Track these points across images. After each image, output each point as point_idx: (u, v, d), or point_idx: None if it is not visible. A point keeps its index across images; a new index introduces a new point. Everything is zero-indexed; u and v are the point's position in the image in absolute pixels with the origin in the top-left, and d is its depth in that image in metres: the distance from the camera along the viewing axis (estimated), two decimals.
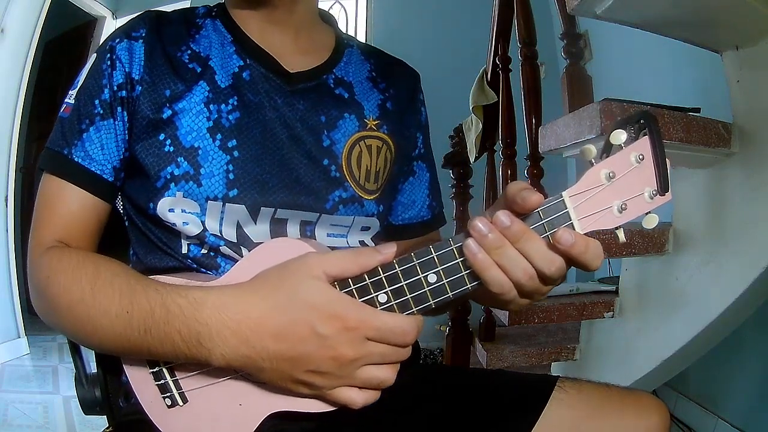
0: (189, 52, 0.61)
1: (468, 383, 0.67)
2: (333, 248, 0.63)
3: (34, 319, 3.16)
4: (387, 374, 0.49)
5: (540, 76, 1.57)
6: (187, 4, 3.21)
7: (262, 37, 0.64)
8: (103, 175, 0.59)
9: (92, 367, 0.69)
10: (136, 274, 0.52)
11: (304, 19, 0.67)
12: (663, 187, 0.45)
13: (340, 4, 3.66)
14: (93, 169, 0.58)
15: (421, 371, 0.72)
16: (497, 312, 1.50)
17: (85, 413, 0.67)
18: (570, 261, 0.45)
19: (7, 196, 2.76)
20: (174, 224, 0.58)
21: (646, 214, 0.46)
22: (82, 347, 0.69)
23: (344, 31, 0.76)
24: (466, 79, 2.08)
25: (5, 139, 2.73)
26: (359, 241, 0.67)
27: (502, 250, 0.44)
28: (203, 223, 0.58)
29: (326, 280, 0.47)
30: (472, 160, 2.04)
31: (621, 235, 0.46)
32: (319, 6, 0.73)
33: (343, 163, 0.63)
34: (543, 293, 0.47)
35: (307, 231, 0.62)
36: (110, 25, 3.39)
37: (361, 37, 3.54)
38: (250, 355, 0.47)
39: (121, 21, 3.38)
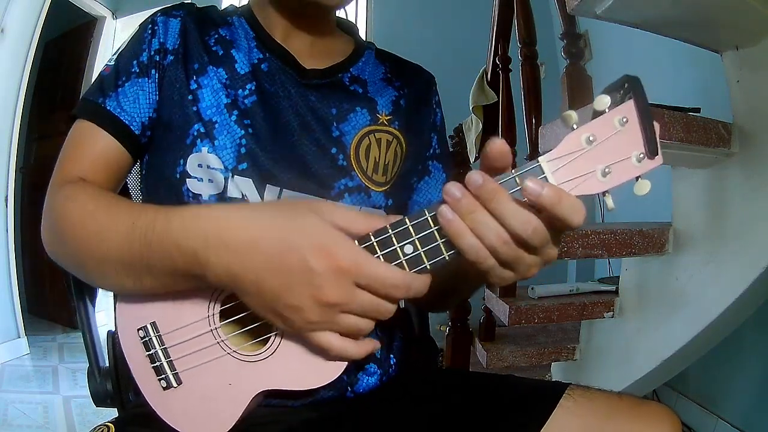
0: (216, 36, 0.67)
1: (471, 386, 0.67)
2: None
3: (34, 319, 3.17)
4: (366, 324, 0.47)
5: (540, 76, 1.58)
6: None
7: (283, 37, 0.68)
8: (131, 126, 0.63)
9: (105, 360, 0.71)
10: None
11: (323, 29, 0.71)
12: (651, 150, 0.42)
13: None
14: (122, 118, 0.62)
15: (425, 373, 0.71)
16: (497, 312, 1.50)
17: (97, 405, 0.69)
18: (547, 219, 0.42)
19: (7, 196, 2.76)
20: (201, 179, 0.60)
21: (637, 179, 0.43)
22: (96, 341, 0.71)
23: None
24: (466, 79, 2.08)
25: (5, 139, 2.73)
26: None
27: (475, 215, 0.42)
28: (226, 179, 0.60)
29: (333, 225, 0.46)
30: (472, 160, 2.04)
31: (609, 202, 0.44)
32: (336, 16, 0.75)
33: (351, 153, 0.65)
34: (528, 264, 0.45)
35: None
36: (110, 25, 3.38)
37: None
38: (238, 274, 0.46)
39: (121, 21, 3.39)
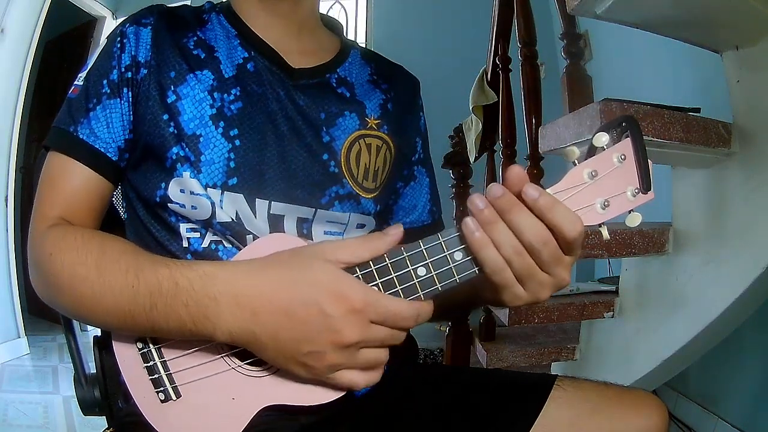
0: (195, 38, 0.63)
1: (467, 382, 0.67)
2: None
3: (34, 319, 3.16)
4: (383, 354, 0.50)
5: (540, 76, 1.57)
6: (187, 2, 3.21)
7: (266, 32, 0.65)
8: (107, 153, 0.59)
9: (91, 367, 0.69)
10: (143, 251, 0.53)
11: (307, 18, 0.69)
12: (645, 186, 0.46)
13: (340, 4, 3.66)
14: (97, 146, 0.59)
15: (419, 370, 0.72)
16: (497, 312, 1.50)
17: (85, 414, 0.67)
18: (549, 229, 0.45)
19: (7, 196, 2.76)
20: (183, 205, 0.58)
21: (630, 212, 0.47)
22: (80, 347, 0.70)
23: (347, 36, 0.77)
24: (466, 79, 2.08)
25: (5, 139, 2.73)
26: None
27: (494, 225, 0.45)
28: (213, 204, 0.58)
29: (338, 265, 0.47)
30: (472, 160, 2.04)
31: (605, 233, 0.48)
32: (319, 8, 0.73)
33: (342, 160, 0.64)
34: (539, 281, 0.47)
35: (303, 228, 0.62)
36: (110, 25, 3.38)
37: (361, 37, 3.54)
38: (255, 332, 0.47)
39: (121, 21, 3.39)
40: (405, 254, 0.48)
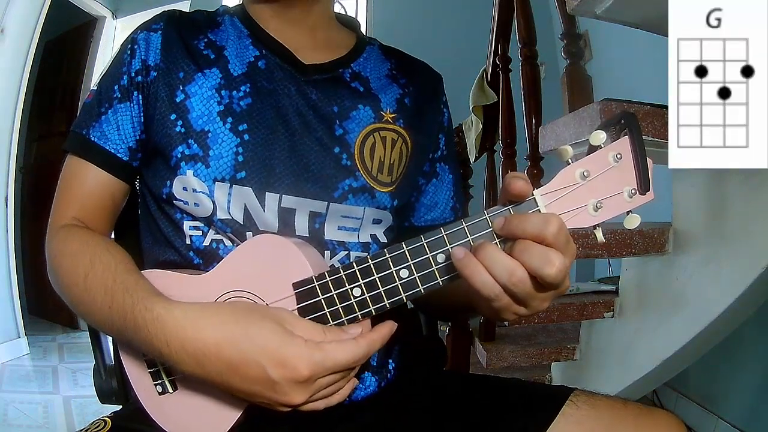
0: (205, 40, 0.64)
1: (473, 392, 0.65)
2: (342, 243, 0.63)
3: (34, 319, 3.17)
4: (342, 392, 0.50)
5: (540, 76, 1.57)
6: (187, 5, 3.21)
7: (279, 34, 0.66)
8: (118, 154, 0.62)
9: (111, 358, 0.73)
10: (124, 271, 0.54)
11: (320, 20, 0.69)
12: (643, 186, 0.44)
13: (340, 4, 3.66)
14: (108, 148, 0.62)
15: (426, 377, 0.71)
16: None
17: (102, 402, 0.71)
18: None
19: (7, 196, 2.76)
20: (186, 202, 0.60)
21: (628, 213, 0.45)
22: (102, 340, 0.74)
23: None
24: (466, 79, 2.08)
25: (5, 139, 2.73)
26: (371, 235, 0.66)
27: (488, 252, 0.43)
28: (214, 203, 0.59)
29: (287, 329, 0.47)
30: (472, 160, 2.04)
31: (599, 235, 0.46)
32: (333, 8, 0.74)
33: (356, 153, 0.63)
34: (541, 299, 0.45)
35: (316, 224, 0.61)
36: (110, 25, 3.38)
37: None
38: (206, 377, 0.48)
39: (121, 21, 3.39)
40: (388, 255, 0.48)
